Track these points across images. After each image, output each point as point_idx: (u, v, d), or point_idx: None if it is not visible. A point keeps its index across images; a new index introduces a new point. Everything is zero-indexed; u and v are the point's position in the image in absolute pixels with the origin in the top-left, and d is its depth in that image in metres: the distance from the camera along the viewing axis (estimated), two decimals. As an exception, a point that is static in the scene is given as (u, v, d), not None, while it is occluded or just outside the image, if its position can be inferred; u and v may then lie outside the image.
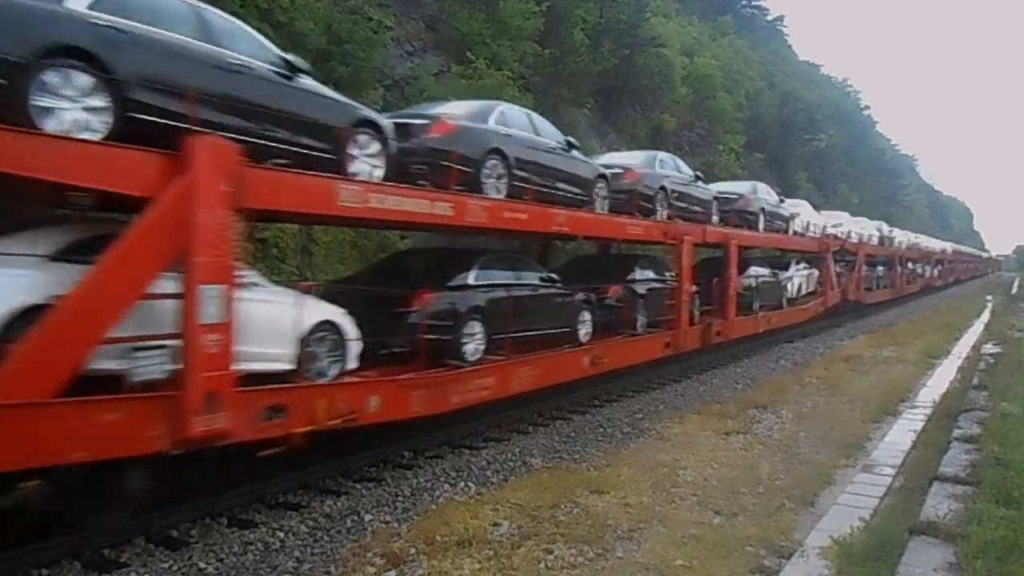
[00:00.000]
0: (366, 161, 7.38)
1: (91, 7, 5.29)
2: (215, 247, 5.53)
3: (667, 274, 13.95)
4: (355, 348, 7.30)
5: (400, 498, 7.04)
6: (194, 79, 5.78)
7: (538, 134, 10.32)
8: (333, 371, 7.08)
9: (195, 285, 5.43)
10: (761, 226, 18.28)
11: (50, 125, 4.92)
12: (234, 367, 5.71)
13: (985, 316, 27.84)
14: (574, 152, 10.92)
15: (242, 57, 6.34)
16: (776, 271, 19.43)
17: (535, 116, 10.68)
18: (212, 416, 5.49)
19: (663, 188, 13.58)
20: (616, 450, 8.80)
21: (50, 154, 4.88)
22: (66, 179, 4.98)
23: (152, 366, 5.37)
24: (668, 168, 14.47)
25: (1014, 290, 48.87)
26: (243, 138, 5.96)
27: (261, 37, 6.85)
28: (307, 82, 6.95)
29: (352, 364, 7.27)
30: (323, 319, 6.97)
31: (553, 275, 10.89)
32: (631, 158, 14.38)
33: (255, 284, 6.45)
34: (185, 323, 5.43)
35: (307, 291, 7.29)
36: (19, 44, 4.76)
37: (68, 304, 4.93)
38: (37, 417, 4.81)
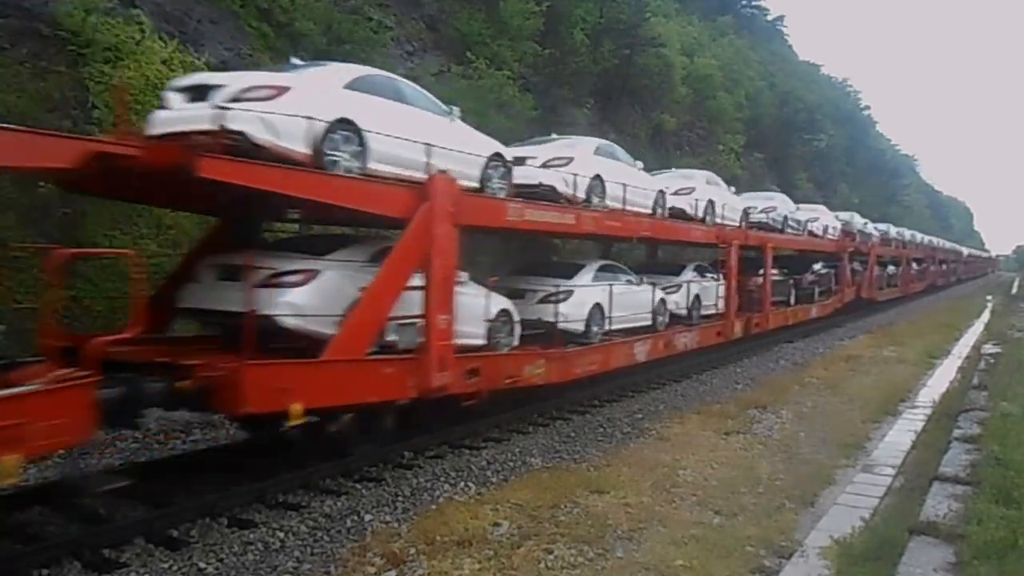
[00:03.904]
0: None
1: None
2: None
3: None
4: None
5: (400, 498, 7.03)
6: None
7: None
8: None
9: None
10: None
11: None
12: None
13: (985, 316, 27.87)
14: (457, 123, 9.08)
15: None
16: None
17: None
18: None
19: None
20: (616, 450, 8.80)
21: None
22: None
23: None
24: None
25: (1014, 290, 48.91)
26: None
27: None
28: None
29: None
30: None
31: None
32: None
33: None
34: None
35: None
36: None
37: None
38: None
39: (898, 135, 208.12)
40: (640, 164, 13.55)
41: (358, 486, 7.33)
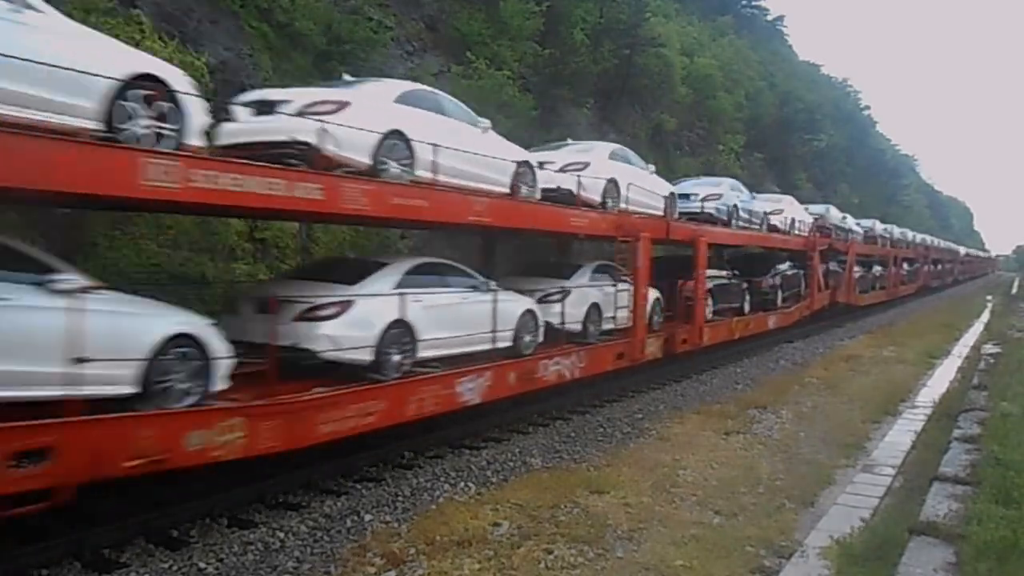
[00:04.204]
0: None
1: None
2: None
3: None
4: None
5: (400, 498, 7.04)
6: None
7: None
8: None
9: None
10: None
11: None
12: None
13: (985, 316, 27.87)
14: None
15: None
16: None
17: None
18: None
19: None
20: (616, 450, 8.81)
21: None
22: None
23: None
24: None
25: (1014, 290, 48.91)
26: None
27: None
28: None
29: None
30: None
31: None
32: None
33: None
34: None
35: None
36: None
37: None
38: None
39: (898, 135, 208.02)
40: (487, 123, 9.79)
41: (358, 486, 7.34)
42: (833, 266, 23.80)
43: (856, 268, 25.87)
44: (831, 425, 10.02)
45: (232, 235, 11.10)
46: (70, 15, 10.28)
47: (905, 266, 35.22)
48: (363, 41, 14.94)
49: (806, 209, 23.44)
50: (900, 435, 9.44)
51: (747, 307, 17.54)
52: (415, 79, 16.76)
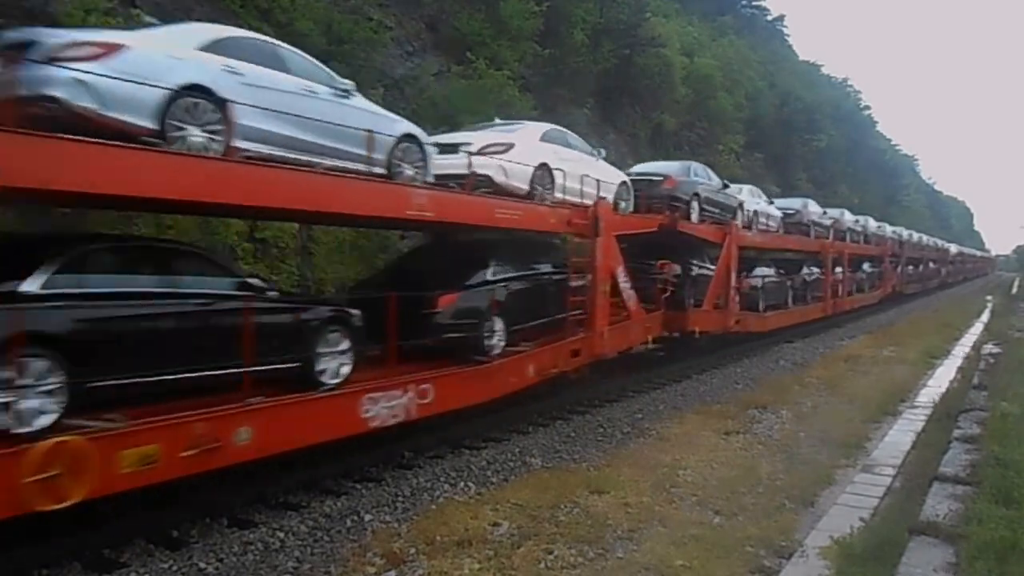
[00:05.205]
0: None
1: None
2: None
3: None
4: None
5: (400, 498, 7.04)
6: None
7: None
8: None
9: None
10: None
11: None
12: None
13: (985, 316, 27.86)
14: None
15: None
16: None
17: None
18: None
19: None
20: (616, 450, 8.81)
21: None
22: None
23: None
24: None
25: (1014, 290, 48.91)
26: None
27: None
28: None
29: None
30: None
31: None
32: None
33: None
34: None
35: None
36: None
37: None
38: None
39: (898, 135, 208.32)
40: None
41: (358, 486, 7.34)
42: (706, 269, 15.38)
43: (764, 271, 18.16)
44: (831, 425, 10.01)
45: (232, 235, 11.09)
46: (70, 15, 10.33)
47: (867, 267, 27.36)
48: (363, 41, 14.95)
49: (598, 154, 11.99)
50: (900, 435, 9.43)
51: (331, 372, 7.06)
52: (415, 79, 16.86)
